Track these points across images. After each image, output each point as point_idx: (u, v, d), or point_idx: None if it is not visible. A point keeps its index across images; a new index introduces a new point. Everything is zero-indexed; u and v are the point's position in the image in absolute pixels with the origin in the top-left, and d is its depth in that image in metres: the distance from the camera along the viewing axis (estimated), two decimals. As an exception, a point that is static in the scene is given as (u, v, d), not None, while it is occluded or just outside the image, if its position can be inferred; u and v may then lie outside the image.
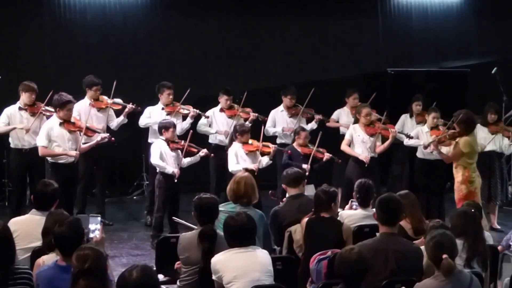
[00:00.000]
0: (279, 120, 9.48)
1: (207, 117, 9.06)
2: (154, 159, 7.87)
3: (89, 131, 7.99)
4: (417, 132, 8.82)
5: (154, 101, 8.98)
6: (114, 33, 10.87)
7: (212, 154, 8.39)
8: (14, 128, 8.12)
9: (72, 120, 7.79)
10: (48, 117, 8.09)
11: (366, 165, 8.40)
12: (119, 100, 8.75)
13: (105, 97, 8.70)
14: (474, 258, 4.85)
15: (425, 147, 8.37)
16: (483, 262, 4.88)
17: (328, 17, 11.86)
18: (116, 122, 8.75)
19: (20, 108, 8.20)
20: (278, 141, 9.32)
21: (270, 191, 8.25)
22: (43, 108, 8.16)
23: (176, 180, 7.83)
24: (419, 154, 8.79)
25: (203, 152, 8.08)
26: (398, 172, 9.77)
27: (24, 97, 8.18)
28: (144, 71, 10.72)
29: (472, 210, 5.16)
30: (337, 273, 4.20)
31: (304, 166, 8.00)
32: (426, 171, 8.69)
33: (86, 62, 10.48)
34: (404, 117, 9.65)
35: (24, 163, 8.26)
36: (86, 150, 7.97)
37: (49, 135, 7.59)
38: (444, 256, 4.11)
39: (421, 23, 12.45)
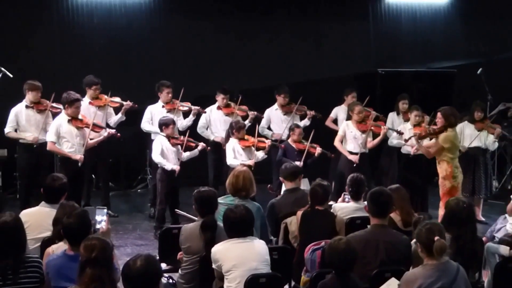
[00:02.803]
0: (274, 119, 9.47)
1: (205, 111, 9.01)
2: (155, 156, 7.91)
3: (96, 127, 7.98)
4: (402, 129, 8.86)
5: (156, 100, 8.98)
6: (119, 35, 10.85)
7: (208, 147, 8.43)
8: (24, 138, 8.09)
9: (80, 117, 7.79)
10: (53, 114, 8.12)
11: (357, 162, 8.43)
12: (117, 98, 8.72)
13: (104, 96, 8.67)
14: (458, 256, 4.76)
15: (406, 140, 8.34)
16: (468, 259, 4.78)
17: (322, 20, 11.85)
18: (114, 119, 8.69)
19: (27, 107, 8.17)
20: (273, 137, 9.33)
21: (268, 185, 8.28)
22: (50, 105, 8.15)
23: (176, 175, 7.85)
24: (403, 150, 8.85)
25: (201, 146, 8.13)
26: (386, 165, 9.78)
27: (30, 96, 8.15)
28: (147, 70, 10.70)
29: (464, 205, 5.03)
30: (328, 262, 4.23)
31: (297, 163, 7.85)
32: (410, 166, 8.73)
33: (93, 62, 10.45)
34: (392, 115, 9.65)
35: (33, 158, 8.16)
36: (94, 145, 7.98)
37: (58, 131, 7.62)
38: (436, 238, 4.10)
39: (410, 26, 12.45)
